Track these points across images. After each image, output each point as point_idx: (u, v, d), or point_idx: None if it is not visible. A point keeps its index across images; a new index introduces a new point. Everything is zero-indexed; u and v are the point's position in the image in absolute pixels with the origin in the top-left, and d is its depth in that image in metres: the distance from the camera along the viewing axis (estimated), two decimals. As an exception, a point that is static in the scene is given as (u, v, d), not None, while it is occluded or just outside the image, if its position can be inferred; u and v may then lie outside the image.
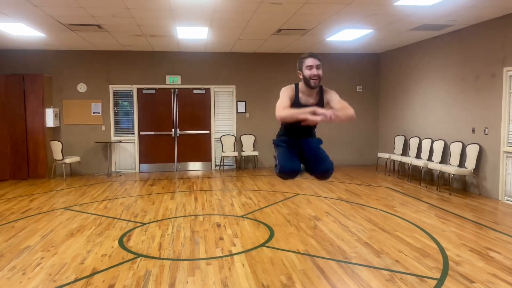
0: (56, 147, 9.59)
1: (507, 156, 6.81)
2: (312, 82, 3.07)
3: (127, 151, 10.60)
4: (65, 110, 10.19)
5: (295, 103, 3.14)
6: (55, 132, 10.07)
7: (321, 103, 3.17)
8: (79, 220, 5.93)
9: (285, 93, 3.16)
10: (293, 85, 3.22)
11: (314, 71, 3.06)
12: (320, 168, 3.38)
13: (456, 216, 5.94)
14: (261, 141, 10.90)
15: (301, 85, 3.18)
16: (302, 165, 3.42)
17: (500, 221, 5.70)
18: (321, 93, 3.21)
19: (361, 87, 11.24)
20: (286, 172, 3.33)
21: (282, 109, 3.08)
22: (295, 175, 3.39)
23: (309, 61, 3.09)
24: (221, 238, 5.02)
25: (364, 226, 5.47)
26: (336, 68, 11.00)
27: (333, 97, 3.22)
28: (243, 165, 10.98)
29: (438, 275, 3.84)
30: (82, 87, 10.26)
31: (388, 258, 4.29)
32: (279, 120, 3.15)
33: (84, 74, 10.25)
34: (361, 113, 11.31)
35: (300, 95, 3.16)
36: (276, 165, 3.43)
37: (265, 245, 4.76)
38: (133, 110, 10.54)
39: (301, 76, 3.14)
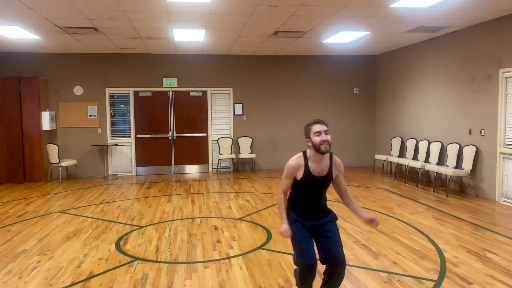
0: (53, 150, 9.55)
1: (503, 158, 6.83)
2: (323, 148, 2.96)
3: (123, 154, 10.57)
4: (61, 113, 10.16)
5: (307, 174, 3.03)
6: (51, 135, 10.03)
7: (330, 173, 3.09)
8: (76, 223, 5.90)
9: (289, 170, 3.06)
10: (301, 155, 3.09)
11: (323, 137, 2.96)
12: (334, 251, 3.04)
13: (454, 218, 5.95)
14: (258, 144, 10.90)
15: (309, 152, 3.07)
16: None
17: (497, 222, 5.71)
18: (330, 161, 3.11)
19: (358, 89, 11.26)
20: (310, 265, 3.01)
21: (280, 193, 3.15)
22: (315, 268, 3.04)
23: (317, 127, 2.99)
24: (219, 241, 5.00)
25: (362, 228, 5.47)
26: (333, 70, 11.02)
27: (340, 174, 3.17)
28: (241, 168, 10.97)
29: (435, 277, 3.84)
30: (78, 90, 10.23)
31: (386, 260, 4.29)
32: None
33: (81, 76, 10.22)
34: (358, 115, 11.35)
35: (310, 164, 3.04)
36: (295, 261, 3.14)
37: (263, 247, 4.75)
38: (129, 113, 10.52)
39: (309, 144, 3.04)
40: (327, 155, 3.04)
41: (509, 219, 5.90)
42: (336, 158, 3.14)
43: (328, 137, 2.98)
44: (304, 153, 3.08)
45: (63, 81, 10.14)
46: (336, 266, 2.98)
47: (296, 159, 3.06)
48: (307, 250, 3.01)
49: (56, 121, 10.12)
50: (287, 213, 3.13)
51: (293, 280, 3.79)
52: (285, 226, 3.04)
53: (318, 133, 2.97)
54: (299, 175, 3.03)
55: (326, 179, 3.07)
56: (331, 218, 3.16)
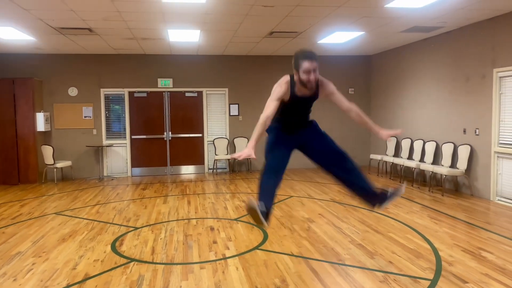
0: (47, 151, 9.50)
1: (498, 157, 6.87)
2: (308, 85, 3.10)
3: (119, 155, 10.54)
4: (56, 114, 10.11)
5: (292, 96, 3.15)
6: (46, 137, 9.98)
7: (315, 95, 3.22)
8: (71, 225, 5.87)
9: (277, 91, 3.15)
10: (288, 78, 3.18)
11: (312, 76, 3.05)
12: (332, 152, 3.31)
13: (449, 217, 5.98)
14: (254, 144, 10.88)
15: (296, 78, 3.17)
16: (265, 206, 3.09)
17: (492, 221, 5.74)
18: (317, 87, 3.21)
19: (353, 89, 11.29)
20: (267, 181, 3.25)
21: (264, 115, 3.16)
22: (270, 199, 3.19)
23: (306, 65, 3.05)
24: (215, 242, 4.99)
25: (358, 228, 5.48)
26: (328, 71, 10.98)
27: (331, 89, 3.29)
28: (236, 168, 10.97)
29: (431, 276, 3.85)
30: (73, 91, 10.19)
31: (382, 260, 4.30)
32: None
33: (75, 77, 10.18)
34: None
35: (296, 88, 3.16)
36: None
37: (259, 248, 4.75)
38: (124, 114, 10.49)
39: (296, 77, 3.14)
40: None
41: (503, 218, 5.94)
42: (322, 80, 3.22)
43: (316, 75, 3.06)
44: (292, 77, 3.16)
45: (57, 82, 10.10)
46: (343, 160, 3.22)
47: (284, 84, 3.13)
48: (275, 157, 3.26)
49: (51, 122, 10.08)
50: (270, 128, 3.21)
51: (289, 281, 3.79)
52: (249, 151, 3.01)
53: (307, 72, 3.04)
54: (286, 97, 3.14)
55: (311, 100, 3.24)
56: (313, 127, 3.33)
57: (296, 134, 3.36)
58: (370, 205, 3.44)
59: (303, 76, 3.06)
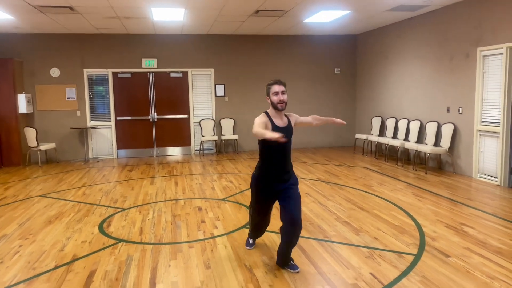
0: (30, 133, 9.35)
1: (480, 135, 6.99)
2: (279, 106, 3.45)
3: (104, 136, 10.43)
4: (38, 96, 9.91)
5: (274, 127, 3.44)
6: (28, 119, 9.80)
7: (289, 125, 3.59)
8: (57, 207, 5.84)
9: (259, 121, 3.43)
10: (264, 114, 3.51)
11: (280, 97, 3.43)
12: (295, 213, 3.48)
13: (432, 194, 6.11)
14: (241, 125, 10.88)
15: (270, 111, 3.52)
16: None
17: (473, 198, 5.89)
18: (287, 118, 3.60)
19: (339, 69, 11.29)
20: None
21: (255, 128, 3.35)
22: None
23: (276, 88, 3.45)
24: (203, 221, 5.03)
25: (343, 206, 5.56)
26: (314, 50, 11.01)
27: (298, 117, 3.72)
28: (223, 149, 10.96)
29: (415, 251, 3.95)
30: (55, 72, 9.98)
31: (367, 236, 4.39)
32: (256, 135, 3.29)
33: (57, 58, 9.96)
34: (339, 95, 11.41)
35: (273, 119, 3.49)
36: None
37: (247, 226, 4.79)
38: (108, 95, 10.33)
39: (269, 101, 3.50)
40: (283, 113, 3.54)
41: (485, 194, 6.09)
42: (289, 114, 3.65)
43: (285, 97, 3.46)
44: (266, 112, 3.53)
45: (39, 62, 9.87)
46: (295, 226, 3.46)
47: (262, 118, 3.47)
48: (264, 209, 3.79)
49: (33, 104, 9.88)
50: (258, 177, 3.63)
51: (275, 256, 3.85)
52: (276, 133, 3.07)
53: (276, 93, 3.45)
54: (268, 126, 3.44)
55: (289, 130, 3.53)
56: (294, 181, 3.61)
57: (277, 185, 3.55)
58: (278, 260, 3.70)
59: (274, 98, 3.44)
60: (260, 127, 3.34)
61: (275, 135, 3.00)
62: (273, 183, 3.54)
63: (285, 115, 3.59)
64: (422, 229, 4.56)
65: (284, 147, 3.46)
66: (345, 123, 3.84)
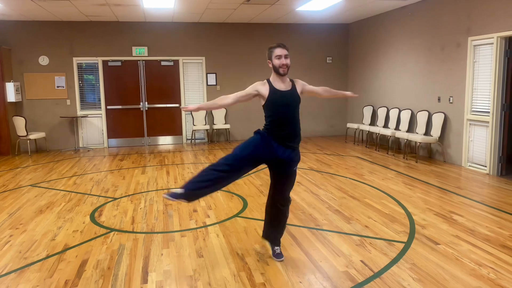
0: (19, 123, 9.23)
1: (470, 124, 7.06)
2: (281, 70, 3.28)
3: (94, 125, 10.34)
4: (27, 84, 9.78)
5: (272, 90, 3.30)
6: (17, 108, 9.68)
7: (294, 90, 3.38)
8: (48, 196, 5.80)
9: (251, 87, 3.34)
10: (265, 80, 3.37)
11: (283, 61, 3.27)
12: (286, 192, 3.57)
13: (422, 183, 6.17)
14: (233, 114, 10.85)
15: (272, 76, 3.36)
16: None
17: (463, 186, 5.96)
18: (292, 83, 3.42)
19: (331, 58, 11.28)
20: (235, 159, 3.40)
21: (226, 99, 3.43)
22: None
23: (278, 51, 3.29)
24: (195, 210, 5.03)
25: (335, 194, 5.60)
26: (306, 39, 10.96)
27: (303, 82, 3.51)
28: (215, 138, 10.94)
29: (405, 239, 4.00)
30: (44, 60, 9.84)
31: (358, 224, 4.43)
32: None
33: (46, 46, 9.81)
34: (331, 84, 11.37)
35: (274, 83, 3.33)
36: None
37: (239, 215, 4.81)
38: (99, 84, 10.23)
39: (270, 65, 3.34)
40: (287, 77, 3.35)
41: (474, 182, 6.17)
42: (297, 80, 3.45)
43: (288, 61, 3.29)
44: (268, 79, 3.37)
45: (27, 50, 9.71)
46: (286, 207, 3.55)
47: (256, 85, 3.35)
48: (237, 168, 3.37)
49: (22, 93, 9.75)
50: (263, 135, 3.34)
51: (269, 246, 3.85)
52: (194, 106, 3.42)
53: (279, 56, 3.28)
54: (265, 93, 3.29)
55: (292, 94, 3.33)
56: (297, 158, 3.48)
57: (280, 149, 3.36)
58: (264, 235, 3.70)
59: (276, 61, 3.28)
60: (246, 92, 3.33)
61: (187, 107, 3.33)
62: (280, 144, 3.30)
63: (291, 80, 3.41)
64: (412, 217, 4.61)
65: (287, 114, 3.27)
66: (356, 95, 3.81)
